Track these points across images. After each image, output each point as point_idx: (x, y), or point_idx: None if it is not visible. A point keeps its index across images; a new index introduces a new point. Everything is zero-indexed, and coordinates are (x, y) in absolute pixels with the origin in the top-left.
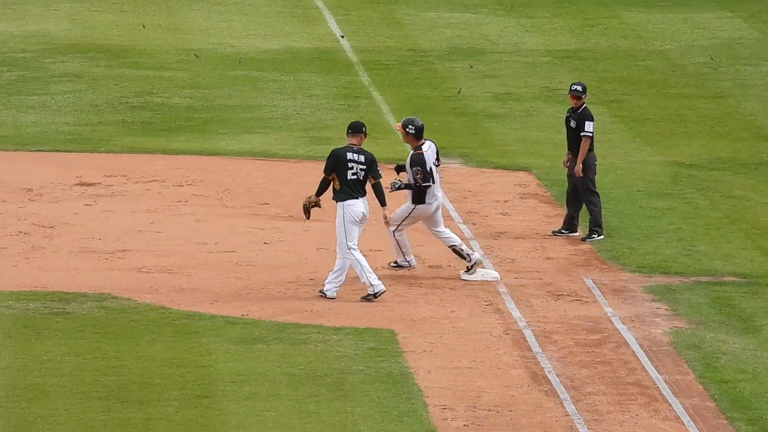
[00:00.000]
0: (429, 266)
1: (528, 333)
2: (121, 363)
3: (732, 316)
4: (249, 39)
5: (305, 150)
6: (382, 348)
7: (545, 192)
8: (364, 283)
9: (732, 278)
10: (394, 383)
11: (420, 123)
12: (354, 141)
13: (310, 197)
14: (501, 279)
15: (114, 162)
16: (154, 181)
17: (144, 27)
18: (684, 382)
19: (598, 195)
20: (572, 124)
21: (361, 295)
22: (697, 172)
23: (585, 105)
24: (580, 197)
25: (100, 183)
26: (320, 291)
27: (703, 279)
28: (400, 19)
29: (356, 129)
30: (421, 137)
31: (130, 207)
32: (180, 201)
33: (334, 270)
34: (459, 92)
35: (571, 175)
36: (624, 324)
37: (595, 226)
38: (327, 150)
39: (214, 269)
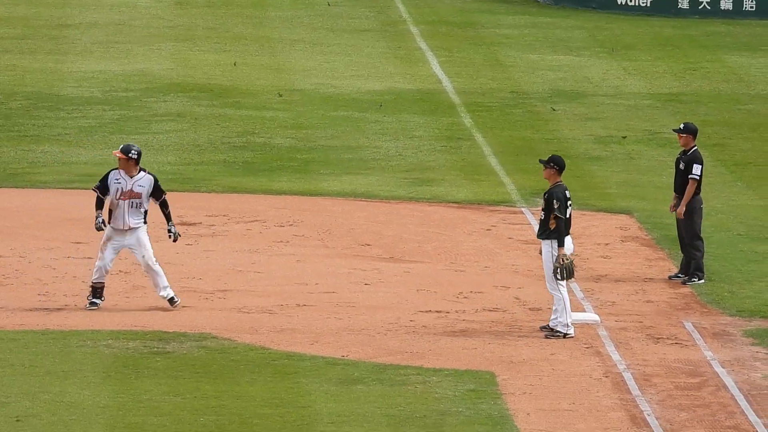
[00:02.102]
0: (530, 308)
1: (627, 376)
2: (220, 403)
3: None
4: (351, 80)
5: (407, 191)
6: (482, 390)
7: (646, 235)
8: (561, 320)
9: None
10: (494, 425)
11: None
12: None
13: (564, 256)
14: (601, 322)
15: (215, 202)
16: (256, 221)
17: (235, 64)
18: None
19: (702, 239)
20: (681, 166)
21: (546, 332)
22: None
23: (695, 147)
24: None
25: (201, 222)
26: (547, 329)
27: None
28: (503, 60)
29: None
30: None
31: (231, 247)
32: (281, 241)
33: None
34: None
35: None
36: (723, 367)
37: (697, 270)
38: (429, 191)
39: (315, 310)
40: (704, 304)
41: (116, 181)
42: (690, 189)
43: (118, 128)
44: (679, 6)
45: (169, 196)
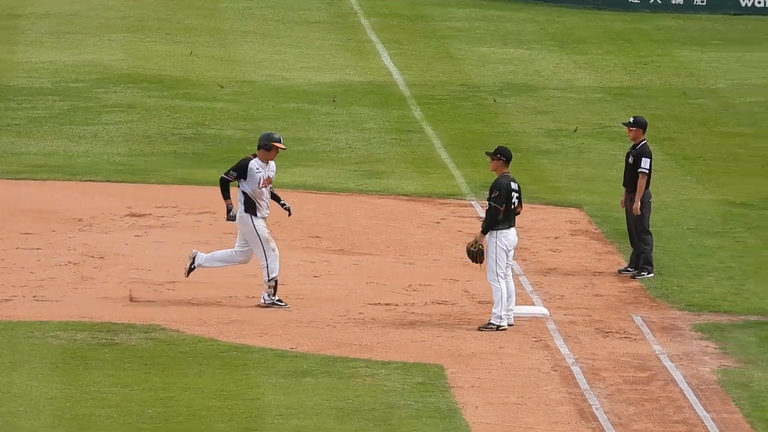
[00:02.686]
0: (478, 302)
1: (576, 370)
2: (168, 395)
3: None
4: (302, 72)
5: (357, 184)
6: (430, 383)
7: (596, 229)
8: (495, 312)
9: None
10: (442, 418)
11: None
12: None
13: (478, 243)
14: (550, 315)
15: (165, 193)
16: (205, 212)
17: (191, 54)
18: (731, 420)
19: (651, 233)
20: (630, 160)
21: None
22: (749, 210)
23: (644, 141)
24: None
25: (150, 214)
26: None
27: (753, 318)
28: (454, 53)
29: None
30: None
31: (181, 238)
32: (231, 233)
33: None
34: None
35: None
36: (672, 362)
37: (646, 264)
38: (379, 184)
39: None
40: (653, 298)
41: (257, 170)
42: (641, 183)
43: (68, 119)
44: (630, 0)
45: (118, 188)
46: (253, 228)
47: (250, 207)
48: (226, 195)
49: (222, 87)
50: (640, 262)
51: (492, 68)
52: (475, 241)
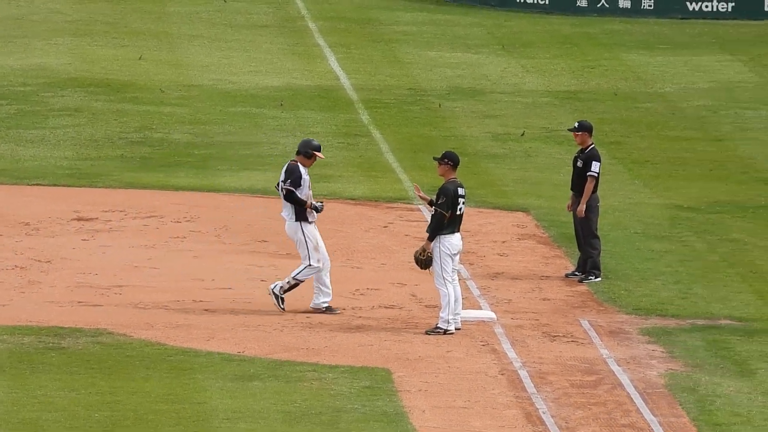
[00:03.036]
0: (426, 306)
1: (523, 374)
2: (115, 398)
3: (727, 359)
4: (249, 76)
5: None
6: (378, 387)
7: (543, 233)
8: (442, 316)
9: (728, 321)
10: (389, 422)
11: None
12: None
13: (425, 251)
14: (497, 319)
15: (112, 197)
16: (152, 216)
17: (141, 58)
18: (678, 424)
19: (598, 238)
20: (579, 163)
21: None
22: (696, 214)
23: (593, 145)
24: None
25: (97, 218)
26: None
27: (700, 322)
28: (401, 57)
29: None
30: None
31: (128, 242)
32: (178, 237)
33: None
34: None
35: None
36: (619, 366)
37: (593, 268)
38: (327, 188)
39: (211, 306)
40: (601, 302)
41: (305, 175)
42: (589, 186)
43: (15, 123)
44: (578, 4)
45: (65, 192)
46: (303, 235)
47: (301, 213)
48: (302, 201)
49: (163, 91)
50: (588, 266)
51: (439, 72)
52: (423, 249)
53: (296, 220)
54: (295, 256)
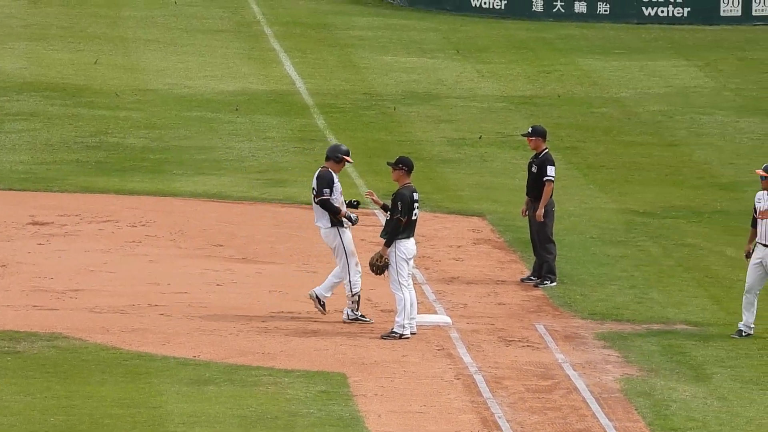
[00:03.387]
0: (381, 310)
1: (479, 378)
2: (71, 403)
3: (683, 364)
4: (205, 80)
5: (260, 192)
6: (333, 391)
7: (498, 238)
8: (398, 321)
9: (683, 326)
10: (345, 427)
11: None
12: (408, 179)
13: (382, 257)
14: (453, 324)
15: (68, 201)
16: (108, 221)
17: (96, 63)
18: (634, 429)
19: (554, 242)
20: (533, 169)
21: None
22: (651, 219)
23: (547, 149)
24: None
25: (53, 222)
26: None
27: (655, 326)
28: (357, 62)
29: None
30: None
31: (84, 247)
32: (134, 241)
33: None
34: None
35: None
36: (575, 370)
37: (549, 273)
38: (282, 192)
39: (167, 310)
40: (556, 307)
41: (336, 182)
42: (547, 191)
43: None
44: (534, 9)
45: (20, 196)
46: (341, 241)
47: (337, 219)
48: (336, 210)
49: (118, 95)
50: (543, 270)
51: (395, 77)
52: (380, 255)
53: (332, 226)
54: (250, 260)
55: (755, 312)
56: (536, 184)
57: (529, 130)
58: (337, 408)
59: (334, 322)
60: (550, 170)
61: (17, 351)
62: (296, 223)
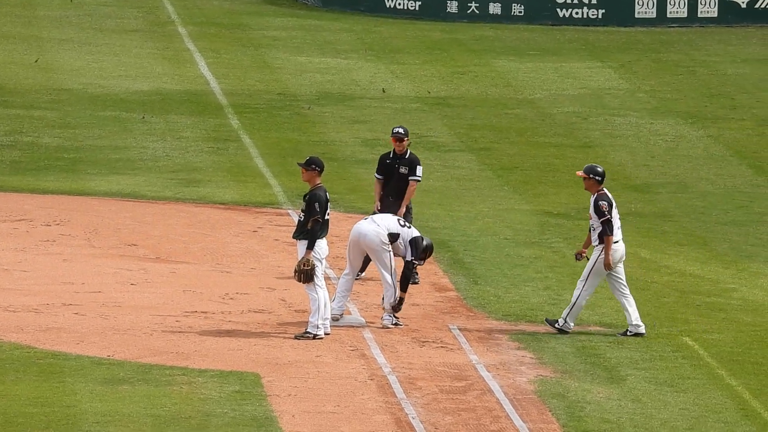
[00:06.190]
0: (295, 310)
1: (393, 379)
2: None
3: (597, 365)
4: (119, 80)
5: (174, 192)
6: (247, 391)
7: None
8: (311, 321)
9: (597, 328)
10: (258, 427)
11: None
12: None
13: (307, 260)
14: (366, 324)
15: None
16: (22, 220)
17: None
18: (548, 430)
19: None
20: (402, 169)
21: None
22: (565, 221)
23: (409, 149)
24: None
25: None
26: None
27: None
28: (270, 62)
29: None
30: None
31: None
32: (48, 240)
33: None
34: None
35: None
36: (489, 371)
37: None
38: (196, 192)
39: (80, 309)
40: (470, 308)
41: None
42: (411, 191)
43: None
44: (448, 10)
45: None
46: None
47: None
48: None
49: (33, 95)
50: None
51: (309, 77)
52: (307, 260)
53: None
54: (164, 259)
55: (633, 310)
56: (404, 184)
57: (401, 130)
58: (250, 408)
59: (248, 322)
60: (419, 170)
61: None
62: (210, 223)
